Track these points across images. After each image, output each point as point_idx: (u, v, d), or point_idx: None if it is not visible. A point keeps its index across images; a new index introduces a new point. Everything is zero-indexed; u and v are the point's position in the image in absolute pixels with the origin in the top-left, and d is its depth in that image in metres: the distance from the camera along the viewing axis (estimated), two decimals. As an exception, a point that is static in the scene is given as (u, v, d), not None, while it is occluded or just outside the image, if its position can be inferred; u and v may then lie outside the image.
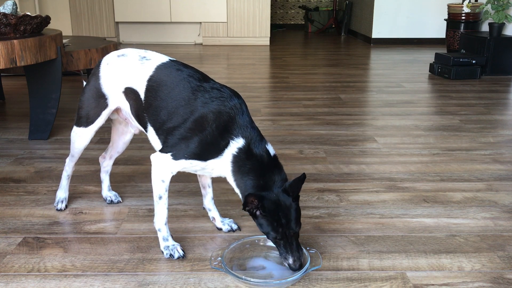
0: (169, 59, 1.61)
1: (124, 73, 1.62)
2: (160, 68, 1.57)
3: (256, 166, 1.42)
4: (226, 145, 1.43)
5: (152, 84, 1.55)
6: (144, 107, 1.57)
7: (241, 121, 1.45)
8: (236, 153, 1.43)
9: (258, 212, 1.40)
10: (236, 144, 1.43)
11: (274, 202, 1.38)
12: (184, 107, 1.48)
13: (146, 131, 1.61)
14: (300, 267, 1.42)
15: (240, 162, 1.43)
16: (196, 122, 1.45)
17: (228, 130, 1.43)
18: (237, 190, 1.47)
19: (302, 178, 1.39)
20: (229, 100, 1.46)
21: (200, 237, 1.70)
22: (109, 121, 1.84)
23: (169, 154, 1.47)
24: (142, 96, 1.57)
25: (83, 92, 1.72)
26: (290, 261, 1.42)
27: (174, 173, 1.52)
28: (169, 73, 1.55)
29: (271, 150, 1.47)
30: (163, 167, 1.49)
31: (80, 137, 1.76)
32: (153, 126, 1.56)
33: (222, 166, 1.46)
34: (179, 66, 1.58)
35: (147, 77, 1.57)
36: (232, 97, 1.48)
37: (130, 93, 1.61)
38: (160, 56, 1.63)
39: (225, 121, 1.44)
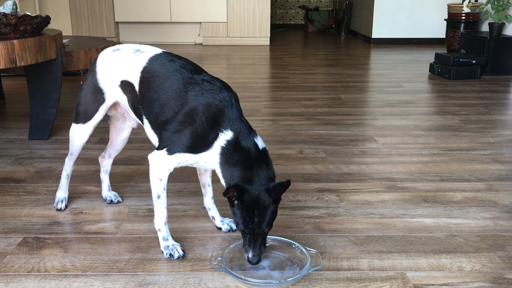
0: (163, 51, 1.62)
1: (119, 66, 1.62)
2: (153, 59, 1.58)
3: (243, 158, 1.41)
4: (215, 137, 1.44)
5: (146, 75, 1.56)
6: (139, 99, 1.58)
7: (230, 114, 1.45)
8: (224, 145, 1.43)
9: (236, 202, 1.39)
10: (225, 136, 1.43)
11: (253, 198, 1.38)
12: (175, 100, 1.49)
13: (143, 123, 1.62)
14: (258, 262, 1.44)
15: (228, 154, 1.43)
16: (187, 115, 1.45)
17: (217, 122, 1.44)
18: (222, 181, 1.46)
19: (285, 185, 1.38)
20: (218, 93, 1.46)
21: (200, 237, 1.70)
22: (107, 119, 1.84)
23: (164, 149, 1.48)
24: (137, 88, 1.58)
25: (81, 89, 1.72)
26: (250, 254, 1.43)
27: (171, 169, 1.52)
28: (162, 64, 1.56)
29: (260, 143, 1.46)
30: (160, 164, 1.50)
31: (79, 134, 1.76)
32: (147, 119, 1.57)
33: (212, 158, 1.46)
34: (172, 57, 1.58)
35: (140, 68, 1.58)
36: (222, 89, 1.48)
37: (126, 86, 1.62)
38: (154, 48, 1.64)
39: (214, 114, 1.44)
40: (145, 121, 1.58)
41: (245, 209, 1.39)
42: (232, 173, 1.42)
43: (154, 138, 1.58)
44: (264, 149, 1.46)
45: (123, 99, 1.66)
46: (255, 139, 1.45)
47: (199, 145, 1.45)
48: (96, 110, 1.70)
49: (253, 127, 1.50)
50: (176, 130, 1.46)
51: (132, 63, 1.60)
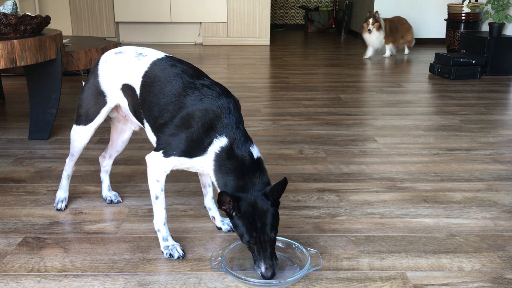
0: (165, 55, 1.62)
1: (121, 70, 1.62)
2: (155, 63, 1.58)
3: (236, 167, 1.40)
4: (210, 143, 1.43)
5: (147, 80, 1.56)
6: (140, 103, 1.58)
7: (227, 121, 1.44)
8: (218, 152, 1.42)
9: (234, 213, 1.37)
10: (219, 143, 1.42)
11: (250, 204, 1.36)
12: (174, 104, 1.49)
13: (144, 126, 1.62)
14: (273, 276, 1.38)
15: (221, 161, 1.42)
16: (184, 119, 1.45)
17: (213, 128, 1.43)
18: (219, 190, 1.45)
19: (283, 182, 1.36)
20: (217, 99, 1.46)
21: (200, 237, 1.70)
22: (108, 120, 1.84)
23: (161, 152, 1.48)
24: (138, 92, 1.58)
25: (83, 91, 1.72)
26: (263, 269, 1.38)
27: (168, 171, 1.51)
28: (164, 68, 1.56)
29: (255, 152, 1.45)
30: (157, 166, 1.50)
31: (80, 136, 1.76)
32: (148, 122, 1.57)
33: (206, 164, 1.45)
34: (174, 62, 1.58)
35: (142, 73, 1.57)
36: (221, 95, 1.47)
37: (127, 89, 1.62)
38: (156, 52, 1.64)
39: (211, 119, 1.43)
40: (146, 124, 1.59)
41: (244, 217, 1.37)
42: (226, 182, 1.41)
43: (153, 141, 1.59)
44: (259, 158, 1.44)
45: (124, 103, 1.66)
46: (250, 148, 1.44)
47: (194, 149, 1.45)
48: (97, 112, 1.70)
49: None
50: (173, 134, 1.46)
51: (134, 67, 1.60)
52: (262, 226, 1.37)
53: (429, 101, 3.77)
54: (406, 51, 6.02)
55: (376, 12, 5.75)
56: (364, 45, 6.73)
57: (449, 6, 5.92)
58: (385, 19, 5.80)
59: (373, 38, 5.70)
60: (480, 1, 5.82)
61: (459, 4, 5.81)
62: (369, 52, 5.81)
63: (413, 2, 6.79)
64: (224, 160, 1.41)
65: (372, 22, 5.63)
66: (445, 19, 6.04)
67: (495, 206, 1.94)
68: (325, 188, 2.11)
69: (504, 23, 4.81)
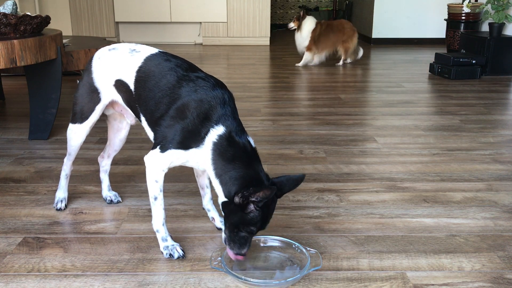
0: (159, 51, 1.62)
1: (114, 66, 1.62)
2: (149, 59, 1.58)
3: (240, 154, 1.40)
4: (206, 133, 1.42)
5: (141, 75, 1.56)
6: (135, 98, 1.58)
7: (222, 111, 1.43)
8: (216, 141, 1.41)
9: (255, 205, 1.34)
10: (216, 131, 1.41)
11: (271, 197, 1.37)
12: (169, 96, 1.49)
13: (141, 121, 1.62)
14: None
15: (222, 149, 1.40)
16: (178, 110, 1.45)
17: (209, 118, 1.42)
18: (216, 181, 1.42)
19: (300, 178, 1.39)
20: (211, 90, 1.46)
21: (200, 237, 1.70)
22: (105, 119, 1.84)
23: (157, 148, 1.48)
24: (132, 87, 1.58)
25: (77, 89, 1.72)
26: (246, 249, 1.42)
27: (166, 170, 1.51)
28: (158, 63, 1.56)
29: (252, 142, 1.45)
30: (155, 165, 1.49)
31: (76, 134, 1.76)
32: (145, 117, 1.57)
33: (203, 156, 1.43)
34: (168, 57, 1.58)
35: (136, 68, 1.57)
36: (215, 87, 1.47)
37: (120, 85, 1.62)
38: (149, 48, 1.64)
39: (206, 110, 1.43)
40: (143, 118, 1.59)
41: (262, 210, 1.36)
42: (231, 171, 1.39)
43: (151, 136, 1.59)
44: (255, 148, 1.45)
45: (118, 99, 1.66)
46: (248, 137, 1.45)
47: (190, 140, 1.44)
48: (92, 110, 1.70)
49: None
50: (168, 125, 1.46)
51: (127, 62, 1.60)
52: (268, 220, 1.40)
53: (429, 101, 3.77)
54: (340, 62, 5.25)
55: (303, 10, 5.07)
56: (363, 46, 6.72)
57: (449, 6, 5.93)
58: (321, 22, 5.15)
59: (298, 39, 5.12)
60: (480, 1, 5.82)
61: (459, 4, 5.81)
62: (315, 59, 5.15)
63: (413, 2, 6.80)
64: (225, 147, 1.40)
65: (294, 20, 5.04)
66: (445, 19, 6.04)
67: (495, 206, 1.94)
68: (325, 188, 2.11)
69: (504, 23, 4.82)
